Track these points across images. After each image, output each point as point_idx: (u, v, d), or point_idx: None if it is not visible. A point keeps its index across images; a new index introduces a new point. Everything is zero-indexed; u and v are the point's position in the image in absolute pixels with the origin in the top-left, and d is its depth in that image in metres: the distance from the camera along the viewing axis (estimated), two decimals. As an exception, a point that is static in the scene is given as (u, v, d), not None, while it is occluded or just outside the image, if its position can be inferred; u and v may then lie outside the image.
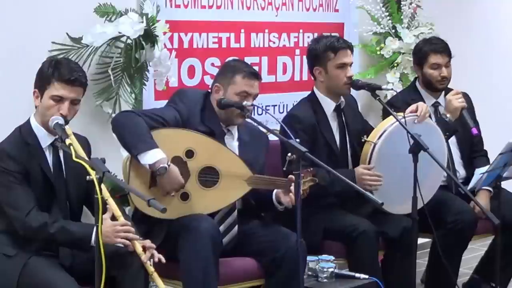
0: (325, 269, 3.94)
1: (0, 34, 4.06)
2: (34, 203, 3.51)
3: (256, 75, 4.04)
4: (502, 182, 4.47)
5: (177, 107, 3.97)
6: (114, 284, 3.47)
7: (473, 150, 4.94)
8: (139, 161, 3.76)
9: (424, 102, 4.74)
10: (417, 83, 4.92)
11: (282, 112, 5.11)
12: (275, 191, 4.03)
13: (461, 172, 4.87)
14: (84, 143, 3.72)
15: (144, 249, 3.48)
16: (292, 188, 3.90)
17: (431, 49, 4.78)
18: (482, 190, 4.61)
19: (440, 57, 4.77)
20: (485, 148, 5.01)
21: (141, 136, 3.77)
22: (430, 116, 4.70)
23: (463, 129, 4.72)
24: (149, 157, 3.74)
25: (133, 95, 4.35)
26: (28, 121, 3.63)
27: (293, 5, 5.25)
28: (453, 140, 4.80)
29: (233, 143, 4.08)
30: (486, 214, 4.08)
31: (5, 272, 3.49)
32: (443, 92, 4.82)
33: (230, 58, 4.50)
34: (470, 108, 4.78)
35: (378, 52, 5.56)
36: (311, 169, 3.96)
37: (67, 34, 4.21)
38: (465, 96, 4.77)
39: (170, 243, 3.76)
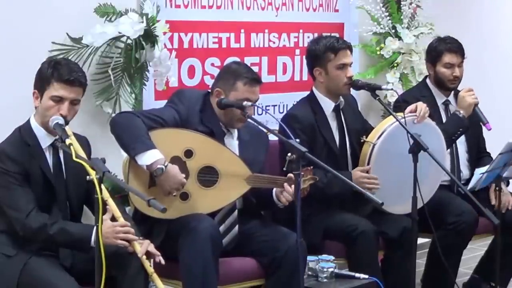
0: (325, 269, 3.94)
1: (0, 34, 4.06)
2: (34, 204, 3.51)
3: (258, 81, 4.04)
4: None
5: (176, 107, 3.97)
6: (114, 284, 3.47)
7: (477, 151, 4.95)
8: (136, 162, 3.76)
9: (435, 100, 4.75)
10: (427, 81, 4.93)
11: (282, 112, 5.11)
12: (275, 188, 4.03)
13: (466, 172, 4.87)
14: (84, 143, 3.72)
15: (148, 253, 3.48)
16: (286, 185, 3.90)
17: (447, 48, 4.80)
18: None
19: (455, 57, 4.79)
20: (486, 149, 5.02)
21: (138, 137, 3.77)
22: (440, 114, 4.72)
23: (472, 129, 4.74)
24: (147, 158, 3.74)
25: (133, 95, 4.35)
26: (28, 122, 3.63)
27: (293, 5, 5.25)
28: (461, 139, 4.81)
29: (233, 142, 4.09)
30: (486, 214, 4.08)
31: (5, 272, 3.49)
32: (453, 91, 4.83)
33: (231, 61, 4.49)
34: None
35: (378, 52, 5.57)
36: (311, 167, 3.96)
37: (67, 34, 4.22)
38: None
39: (170, 243, 3.76)
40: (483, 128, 4.78)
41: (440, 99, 4.85)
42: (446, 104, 4.86)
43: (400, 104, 4.42)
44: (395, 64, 5.56)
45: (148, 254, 3.48)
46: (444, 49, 4.81)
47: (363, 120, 4.72)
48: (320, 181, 4.13)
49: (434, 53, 4.86)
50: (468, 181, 4.80)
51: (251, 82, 3.99)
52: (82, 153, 3.31)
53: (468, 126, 4.65)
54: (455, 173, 4.74)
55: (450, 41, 4.86)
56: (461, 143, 4.84)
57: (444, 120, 4.76)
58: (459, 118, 4.62)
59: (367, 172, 4.24)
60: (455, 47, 4.81)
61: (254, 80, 4.01)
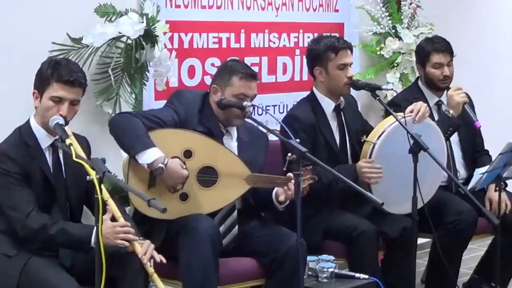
0: (325, 269, 3.94)
1: (0, 34, 4.06)
2: (34, 205, 3.51)
3: (253, 76, 4.03)
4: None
5: (175, 108, 3.98)
6: (114, 284, 3.47)
7: (475, 150, 4.96)
8: (137, 161, 3.76)
9: (427, 101, 4.75)
10: (419, 82, 4.93)
11: (282, 112, 5.11)
12: (274, 190, 4.02)
13: (462, 172, 4.88)
14: (84, 143, 3.73)
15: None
16: (289, 184, 3.91)
17: (433, 48, 4.80)
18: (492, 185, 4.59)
19: (442, 56, 4.79)
20: (485, 148, 5.02)
21: (138, 136, 3.77)
22: (433, 115, 4.72)
23: (465, 128, 4.73)
24: (147, 157, 3.74)
25: (133, 95, 4.35)
26: (27, 122, 3.63)
27: (293, 5, 5.25)
28: (455, 139, 4.82)
29: (231, 143, 4.09)
30: (486, 214, 4.08)
31: (5, 272, 3.49)
32: (445, 91, 4.83)
33: (228, 58, 4.49)
34: (471, 106, 4.78)
35: (378, 52, 5.56)
36: (310, 166, 3.96)
37: (67, 34, 4.22)
38: (466, 95, 4.77)
39: (170, 243, 3.77)
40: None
41: (432, 100, 4.85)
42: (439, 104, 4.86)
43: (393, 108, 4.39)
44: (395, 64, 5.56)
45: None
46: (431, 49, 4.81)
47: (363, 121, 4.72)
48: (326, 178, 4.13)
49: (422, 54, 4.87)
50: (465, 180, 4.81)
51: (246, 77, 3.99)
52: (82, 153, 3.31)
53: (459, 125, 4.65)
54: (452, 173, 4.74)
55: (437, 40, 4.86)
56: (455, 143, 4.85)
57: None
58: (448, 118, 4.62)
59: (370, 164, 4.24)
60: (442, 47, 4.81)
61: (249, 75, 4.00)
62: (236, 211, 4.03)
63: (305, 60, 4.61)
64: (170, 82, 4.51)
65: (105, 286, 3.12)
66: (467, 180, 4.74)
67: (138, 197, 3.45)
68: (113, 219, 3.47)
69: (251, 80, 4.01)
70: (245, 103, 3.91)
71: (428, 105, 4.71)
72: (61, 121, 3.44)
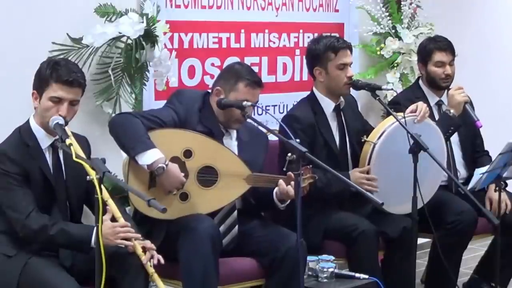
0: (325, 269, 3.94)
1: (0, 34, 4.06)
2: (33, 205, 3.51)
3: (259, 84, 4.03)
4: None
5: (175, 108, 3.98)
6: (114, 284, 3.47)
7: (475, 151, 4.96)
8: (137, 162, 3.76)
9: (428, 100, 4.76)
10: (420, 82, 4.94)
11: (282, 112, 5.11)
12: (275, 190, 4.02)
13: (462, 172, 4.88)
14: (84, 143, 3.73)
15: (144, 249, 3.48)
16: (281, 182, 3.91)
17: (436, 47, 4.82)
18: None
19: (445, 55, 4.80)
20: (485, 148, 5.02)
21: (138, 137, 3.77)
22: (433, 115, 4.72)
23: (465, 128, 4.74)
24: (147, 158, 3.74)
25: (133, 95, 4.35)
26: (27, 122, 3.62)
27: (293, 5, 5.25)
28: (455, 139, 4.82)
29: (231, 143, 4.09)
30: (486, 214, 4.08)
31: (5, 272, 3.49)
32: (446, 91, 4.84)
33: (234, 61, 4.48)
34: (471, 106, 4.78)
35: (378, 52, 5.56)
36: (310, 166, 3.96)
37: (67, 34, 4.22)
38: None
39: (170, 244, 3.77)
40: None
41: (433, 99, 4.86)
42: (439, 104, 4.87)
43: (394, 107, 4.40)
44: (395, 64, 5.56)
45: (144, 250, 3.48)
46: (434, 47, 4.83)
47: (364, 121, 4.72)
48: (320, 181, 4.13)
49: (424, 53, 4.88)
50: (465, 180, 4.81)
51: (252, 85, 3.99)
52: (82, 153, 3.31)
53: (460, 124, 4.65)
54: (452, 173, 4.74)
55: (440, 39, 4.89)
56: (455, 143, 4.86)
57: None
58: (449, 117, 4.62)
59: (367, 172, 4.25)
60: (445, 45, 4.83)
61: (255, 83, 4.01)
62: (236, 211, 4.03)
63: (305, 60, 4.61)
64: (170, 82, 4.51)
65: (105, 286, 3.12)
66: (467, 180, 4.74)
67: (138, 197, 3.45)
68: (113, 219, 3.48)
69: (256, 88, 4.02)
70: (244, 103, 3.91)
71: (429, 105, 4.72)
72: (61, 121, 3.44)
